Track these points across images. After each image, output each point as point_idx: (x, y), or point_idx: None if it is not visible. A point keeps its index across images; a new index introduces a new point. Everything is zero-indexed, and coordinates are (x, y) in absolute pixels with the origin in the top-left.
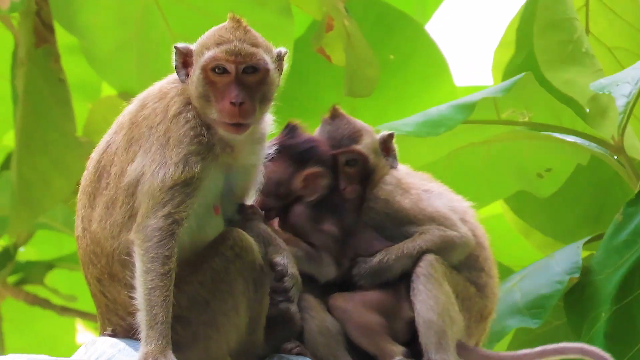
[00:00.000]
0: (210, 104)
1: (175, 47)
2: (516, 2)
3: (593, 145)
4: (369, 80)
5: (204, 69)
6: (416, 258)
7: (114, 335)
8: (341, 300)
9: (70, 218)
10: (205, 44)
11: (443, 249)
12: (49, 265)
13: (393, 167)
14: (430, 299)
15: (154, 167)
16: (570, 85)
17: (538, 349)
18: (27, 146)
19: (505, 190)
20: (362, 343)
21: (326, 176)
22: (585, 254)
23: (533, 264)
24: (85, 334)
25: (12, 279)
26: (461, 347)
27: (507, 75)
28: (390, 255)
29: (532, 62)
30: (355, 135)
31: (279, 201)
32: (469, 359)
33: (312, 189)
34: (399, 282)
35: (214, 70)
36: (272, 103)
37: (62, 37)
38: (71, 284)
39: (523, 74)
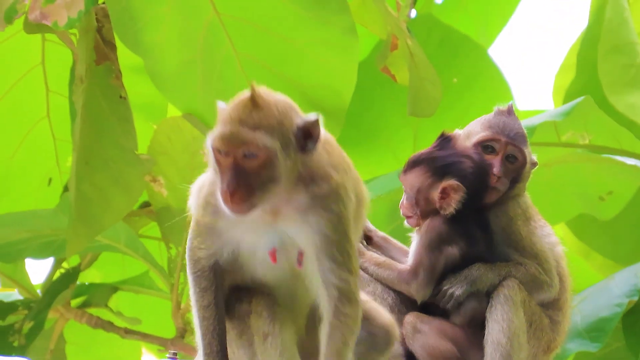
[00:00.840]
0: (217, 178)
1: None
2: (578, 27)
3: None
4: (432, 99)
5: (211, 147)
6: (503, 278)
7: (174, 357)
8: (419, 320)
9: (133, 240)
10: (219, 118)
11: (530, 287)
12: (113, 288)
13: (524, 190)
14: (505, 321)
15: None
16: (633, 109)
17: None
18: (86, 163)
19: (568, 213)
20: None
21: (462, 191)
22: None
23: (592, 287)
24: (149, 356)
25: (75, 302)
26: None
27: (567, 98)
28: (482, 266)
29: (593, 86)
30: (525, 140)
31: (417, 209)
32: None
33: (447, 202)
34: (474, 328)
35: (217, 151)
36: (285, 180)
37: (129, 57)
38: (135, 307)
39: (583, 97)
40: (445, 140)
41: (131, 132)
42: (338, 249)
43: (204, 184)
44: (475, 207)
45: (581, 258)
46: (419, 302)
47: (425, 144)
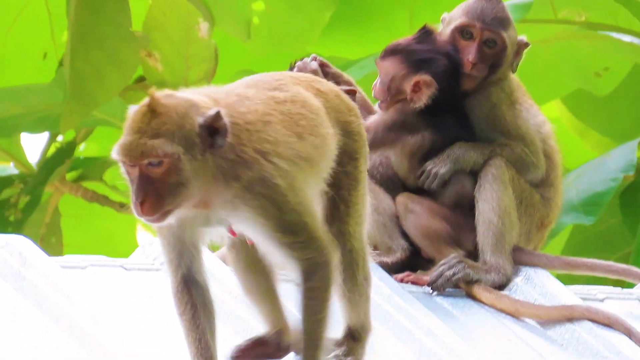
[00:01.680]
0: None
1: None
2: None
3: None
4: None
5: (116, 158)
6: (488, 157)
7: None
8: (410, 200)
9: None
10: (124, 127)
11: (516, 167)
12: (108, 162)
13: (512, 71)
14: (495, 199)
15: None
16: None
17: (589, 261)
18: (81, 41)
19: (563, 88)
20: (422, 244)
21: (434, 87)
22: None
23: (588, 163)
24: (144, 233)
25: (70, 176)
26: (518, 250)
27: None
28: (464, 144)
29: None
30: (505, 22)
31: (389, 95)
32: (523, 261)
33: (418, 96)
34: (461, 210)
35: (122, 162)
36: (197, 181)
37: None
38: None
39: None
40: (425, 33)
41: (125, 9)
42: (282, 230)
43: None
44: (449, 102)
45: (577, 136)
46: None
47: (421, 24)
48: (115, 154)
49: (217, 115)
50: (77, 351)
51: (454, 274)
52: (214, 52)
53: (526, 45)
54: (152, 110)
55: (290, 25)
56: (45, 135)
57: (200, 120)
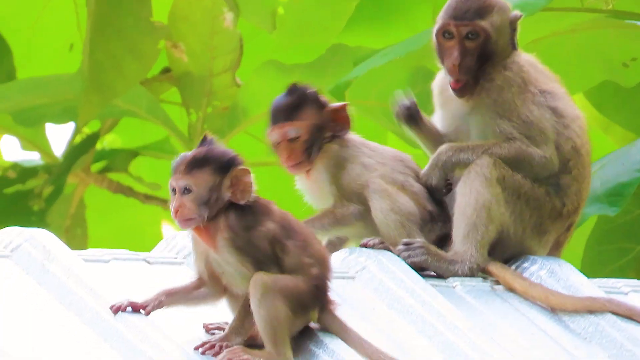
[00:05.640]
0: None
1: None
2: None
3: None
4: None
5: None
6: (477, 157)
7: None
8: None
9: (154, 105)
10: None
11: (515, 162)
12: (133, 153)
13: (514, 47)
14: (472, 193)
15: None
16: None
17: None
18: (101, 31)
19: (590, 80)
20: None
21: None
22: None
23: (612, 153)
24: (169, 228)
25: (96, 167)
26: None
27: None
28: (454, 148)
29: None
30: (483, 10)
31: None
32: (498, 274)
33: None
34: None
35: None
36: None
37: None
38: (155, 172)
39: None
40: (210, 141)
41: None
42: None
43: None
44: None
45: (601, 131)
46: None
47: None
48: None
49: None
50: (100, 345)
51: (409, 257)
52: (239, 43)
53: (519, 17)
54: None
55: (316, 15)
56: (70, 126)
57: None
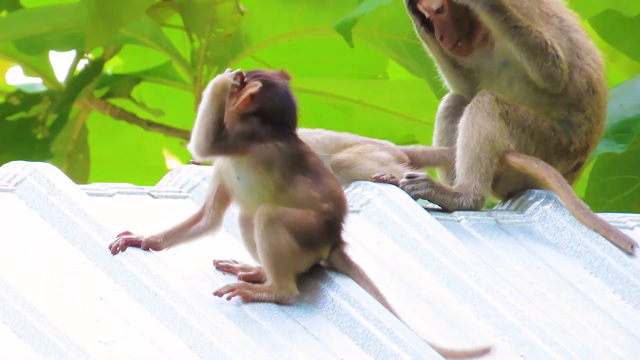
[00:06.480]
0: None
1: None
2: None
3: None
4: None
5: None
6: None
7: (199, 163)
8: None
9: (157, 32)
10: None
11: (532, 52)
12: (136, 79)
13: None
14: (475, 127)
15: None
16: None
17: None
18: None
19: (592, 8)
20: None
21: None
22: None
23: (617, 87)
24: (172, 160)
25: (98, 93)
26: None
27: None
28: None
29: None
30: None
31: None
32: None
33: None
34: None
35: None
36: None
37: None
38: (158, 99)
39: None
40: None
41: None
42: None
43: None
44: None
45: (607, 60)
46: None
47: None
48: None
49: None
50: (105, 279)
51: (413, 189)
52: None
53: None
54: None
55: None
56: (72, 54)
57: None
